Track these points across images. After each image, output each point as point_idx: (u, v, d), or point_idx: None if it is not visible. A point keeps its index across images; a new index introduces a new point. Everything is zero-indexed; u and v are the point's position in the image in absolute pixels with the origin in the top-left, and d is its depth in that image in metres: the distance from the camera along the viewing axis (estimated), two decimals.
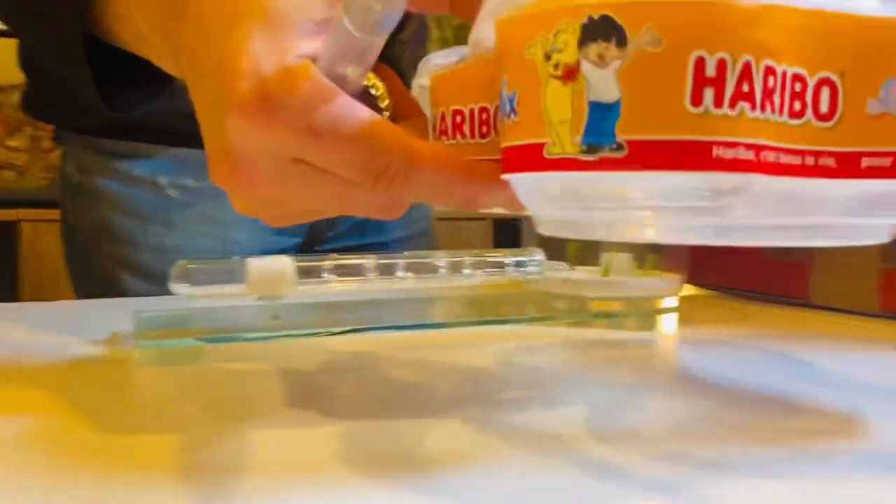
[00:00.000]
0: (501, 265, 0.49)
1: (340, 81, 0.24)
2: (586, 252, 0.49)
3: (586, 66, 0.21)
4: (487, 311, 0.53)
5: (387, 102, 0.29)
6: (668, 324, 0.51)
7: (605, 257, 0.55)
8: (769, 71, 0.21)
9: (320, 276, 0.43)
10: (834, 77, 0.22)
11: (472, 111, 0.29)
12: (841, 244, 0.25)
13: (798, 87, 0.22)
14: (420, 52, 0.77)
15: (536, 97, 0.22)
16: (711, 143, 0.21)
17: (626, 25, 0.21)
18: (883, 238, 0.25)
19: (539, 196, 0.25)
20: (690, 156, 0.21)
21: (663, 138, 0.21)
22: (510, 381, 0.36)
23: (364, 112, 0.24)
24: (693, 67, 0.20)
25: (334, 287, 0.45)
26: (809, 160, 0.22)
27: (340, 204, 0.27)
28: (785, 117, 0.22)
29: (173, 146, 0.65)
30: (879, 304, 0.54)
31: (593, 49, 0.21)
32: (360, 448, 0.25)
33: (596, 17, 0.21)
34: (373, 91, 0.29)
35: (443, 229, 0.91)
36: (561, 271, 0.55)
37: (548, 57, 0.22)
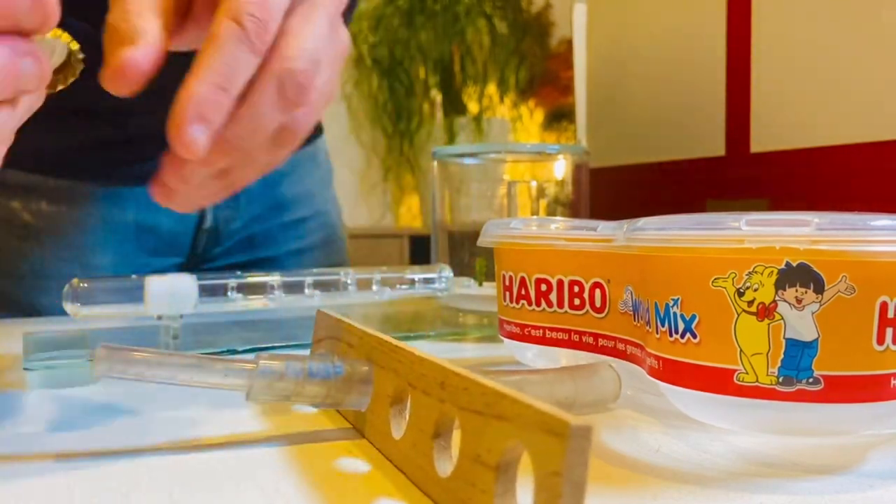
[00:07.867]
0: (410, 282, 0.49)
1: None
2: (493, 268, 0.50)
3: (783, 307, 0.23)
4: (397, 327, 0.52)
5: (77, 47, 0.31)
6: None
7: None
8: None
9: (225, 295, 0.42)
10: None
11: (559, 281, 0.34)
12: None
13: None
14: None
15: (725, 327, 0.24)
16: (890, 376, 0.24)
17: (824, 274, 0.23)
18: None
19: (712, 414, 0.27)
20: (873, 388, 0.24)
21: (854, 374, 0.23)
22: None
23: None
24: (878, 310, 0.23)
25: (238, 305, 0.44)
26: None
27: None
28: None
29: (25, 171, 0.63)
30: None
31: (791, 293, 0.23)
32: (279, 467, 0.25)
33: (794, 264, 0.23)
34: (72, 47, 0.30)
35: (359, 246, 0.89)
36: (468, 287, 0.55)
37: (740, 293, 0.24)
